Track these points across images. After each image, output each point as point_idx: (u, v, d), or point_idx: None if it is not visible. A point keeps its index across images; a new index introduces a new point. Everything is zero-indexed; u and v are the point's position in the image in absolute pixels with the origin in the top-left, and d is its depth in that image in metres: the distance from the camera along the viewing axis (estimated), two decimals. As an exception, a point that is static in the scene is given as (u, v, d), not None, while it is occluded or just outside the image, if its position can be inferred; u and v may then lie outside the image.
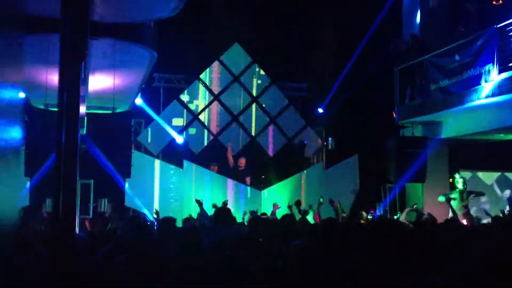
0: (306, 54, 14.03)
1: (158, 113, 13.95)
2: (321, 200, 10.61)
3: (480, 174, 13.11)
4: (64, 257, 4.41)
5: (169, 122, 13.91)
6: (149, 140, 13.63)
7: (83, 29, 5.37)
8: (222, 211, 6.26)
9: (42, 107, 11.26)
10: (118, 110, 12.16)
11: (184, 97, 14.22)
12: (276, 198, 12.00)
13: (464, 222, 9.10)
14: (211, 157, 13.81)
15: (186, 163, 12.87)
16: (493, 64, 8.90)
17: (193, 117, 14.23)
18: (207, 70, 14.37)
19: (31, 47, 7.64)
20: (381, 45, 12.75)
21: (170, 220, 6.03)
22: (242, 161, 13.25)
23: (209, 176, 12.89)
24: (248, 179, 13.21)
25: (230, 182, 12.89)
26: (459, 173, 10.69)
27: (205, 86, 14.36)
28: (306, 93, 15.29)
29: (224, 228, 5.64)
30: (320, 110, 14.67)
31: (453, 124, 11.21)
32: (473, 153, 12.02)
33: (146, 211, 11.72)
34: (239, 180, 12.94)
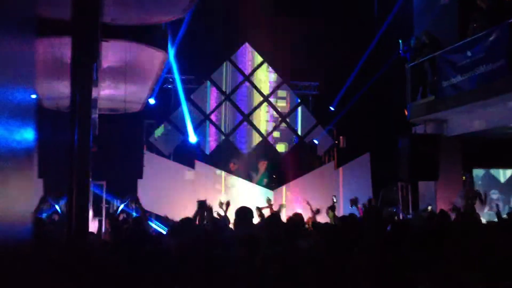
0: (317, 53, 13.99)
1: (169, 114, 14.01)
2: (335, 199, 10.56)
3: (494, 172, 13.00)
4: (76, 258, 4.44)
5: (180, 122, 13.95)
6: (160, 140, 13.69)
7: (95, 32, 5.41)
8: (244, 210, 6.21)
9: (54, 108, 11.35)
10: (130, 111, 12.23)
11: (195, 97, 14.26)
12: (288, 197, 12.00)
13: None
14: (223, 157, 13.83)
15: (197, 163, 12.91)
16: (506, 60, 8.82)
17: (204, 117, 14.27)
18: (218, 70, 14.41)
19: (43, 49, 7.71)
20: (392, 42, 12.68)
21: (188, 221, 6.10)
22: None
23: (221, 176, 12.92)
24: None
25: (242, 182, 12.92)
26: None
27: (216, 86, 14.39)
28: (318, 91, 15.25)
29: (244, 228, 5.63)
30: (332, 109, 14.65)
31: (466, 121, 11.12)
32: (486, 150, 11.91)
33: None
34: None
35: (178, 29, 12.72)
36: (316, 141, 14.45)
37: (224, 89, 14.50)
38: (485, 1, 10.12)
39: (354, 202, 10.07)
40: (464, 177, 11.70)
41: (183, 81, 14.46)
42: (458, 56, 10.19)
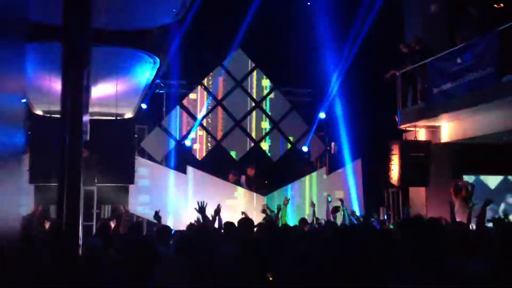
0: (309, 59, 14.01)
1: (160, 119, 14.01)
2: (329, 198, 10.67)
3: (484, 178, 13.07)
4: (67, 265, 4.42)
5: (172, 128, 13.96)
6: (152, 146, 13.66)
7: (86, 37, 5.40)
8: (246, 222, 6.24)
9: (44, 113, 11.30)
10: (122, 117, 12.19)
11: (187, 103, 14.26)
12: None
13: None
14: (215, 162, 13.83)
15: (189, 169, 12.90)
16: (495, 67, 8.90)
17: (196, 122, 14.26)
18: (210, 75, 14.42)
19: (33, 54, 7.69)
20: (383, 49, 12.76)
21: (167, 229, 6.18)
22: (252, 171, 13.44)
23: (213, 182, 12.90)
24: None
25: (234, 188, 12.92)
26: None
27: (208, 91, 14.40)
28: (310, 98, 15.30)
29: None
30: (322, 115, 14.62)
31: (456, 127, 11.20)
32: (476, 156, 11.99)
33: None
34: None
35: (170, 34, 12.74)
36: (306, 148, 14.47)
37: (216, 95, 14.51)
38: (475, 8, 10.22)
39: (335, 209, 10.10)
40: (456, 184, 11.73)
41: (175, 86, 14.45)
42: (448, 63, 10.28)
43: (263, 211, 9.94)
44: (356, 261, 3.88)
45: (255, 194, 12.99)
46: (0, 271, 1.65)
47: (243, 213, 9.28)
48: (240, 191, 12.98)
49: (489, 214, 11.44)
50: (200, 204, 7.27)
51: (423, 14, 12.51)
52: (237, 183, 13.18)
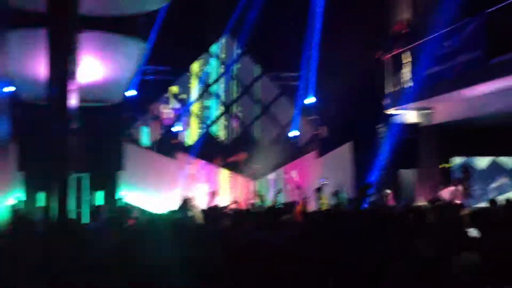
0: (298, 43, 13.91)
1: (149, 105, 13.92)
2: (323, 180, 10.64)
3: (473, 160, 13.15)
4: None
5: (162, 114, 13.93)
6: (142, 132, 13.62)
7: (71, 23, 5.34)
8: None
9: (32, 101, 11.20)
10: (110, 103, 12.10)
11: (175, 89, 14.19)
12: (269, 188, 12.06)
13: None
14: (204, 147, 13.81)
15: (179, 154, 12.88)
16: (483, 49, 8.91)
17: (185, 108, 14.21)
18: (198, 61, 14.34)
19: (19, 42, 7.60)
20: (372, 32, 12.70)
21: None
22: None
23: (202, 167, 12.91)
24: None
25: (224, 172, 12.95)
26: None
27: (197, 77, 14.33)
28: (299, 82, 15.21)
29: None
30: (312, 100, 14.50)
31: (445, 109, 11.24)
32: (465, 138, 12.05)
33: None
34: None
35: (157, 19, 12.62)
36: (296, 132, 14.42)
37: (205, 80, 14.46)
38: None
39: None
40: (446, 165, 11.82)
41: (162, 72, 14.32)
42: (437, 46, 10.27)
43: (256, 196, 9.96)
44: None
45: (244, 178, 13.02)
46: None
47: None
48: (231, 176, 13.00)
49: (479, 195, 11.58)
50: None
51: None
52: (225, 166, 13.19)
